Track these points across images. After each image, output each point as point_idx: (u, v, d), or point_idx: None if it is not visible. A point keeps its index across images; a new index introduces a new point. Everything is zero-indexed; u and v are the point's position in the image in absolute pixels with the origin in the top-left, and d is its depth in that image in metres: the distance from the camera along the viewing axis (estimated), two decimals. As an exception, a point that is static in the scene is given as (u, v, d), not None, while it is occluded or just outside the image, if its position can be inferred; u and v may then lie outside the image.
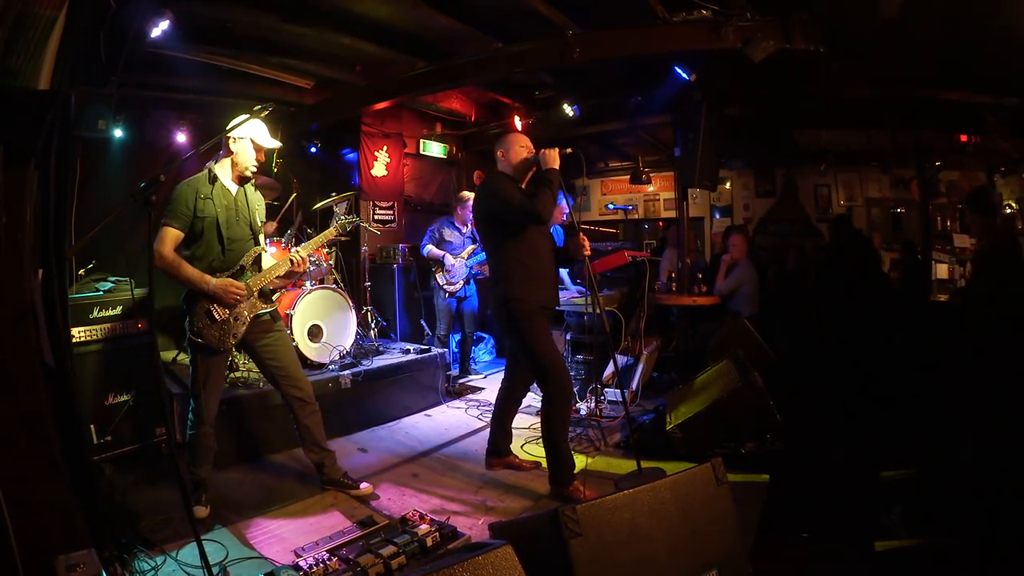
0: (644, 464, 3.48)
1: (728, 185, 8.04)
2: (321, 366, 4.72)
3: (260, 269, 3.21)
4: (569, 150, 3.46)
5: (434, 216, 6.38)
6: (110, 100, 3.47)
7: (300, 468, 3.88)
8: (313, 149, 6.57)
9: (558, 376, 3.39)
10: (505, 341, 3.85)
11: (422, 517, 3.02)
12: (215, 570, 2.57)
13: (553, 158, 3.37)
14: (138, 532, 2.98)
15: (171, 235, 2.94)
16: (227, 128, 3.00)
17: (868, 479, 3.41)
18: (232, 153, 3.09)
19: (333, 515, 3.26)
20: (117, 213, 2.21)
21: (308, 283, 4.97)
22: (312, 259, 5.06)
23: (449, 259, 5.70)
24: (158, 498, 3.36)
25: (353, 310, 5.07)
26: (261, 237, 3.30)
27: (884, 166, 7.16)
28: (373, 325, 5.75)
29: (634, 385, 5.02)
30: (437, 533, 2.85)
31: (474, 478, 3.75)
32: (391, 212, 7.03)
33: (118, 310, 3.66)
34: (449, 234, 5.81)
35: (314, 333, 4.78)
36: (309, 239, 5.12)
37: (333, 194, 5.35)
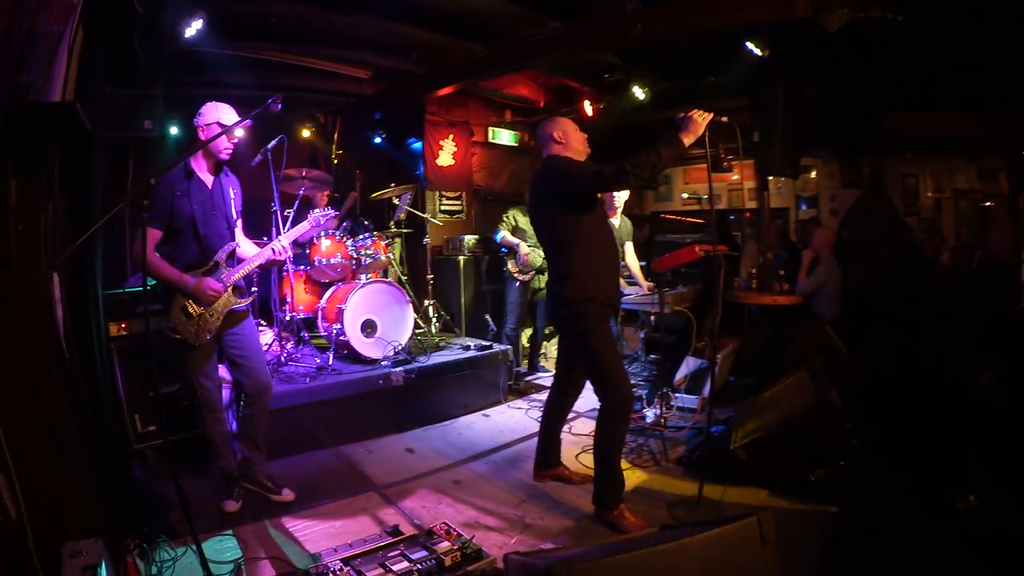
0: (705, 487, 3.14)
1: (813, 174, 7.38)
2: (374, 361, 4.62)
3: (235, 263, 3.18)
4: (725, 119, 2.86)
5: (507, 206, 6.14)
6: (155, 100, 3.54)
7: (341, 467, 3.84)
8: (378, 139, 6.54)
9: (620, 387, 3.03)
10: (565, 344, 3.52)
11: (448, 532, 2.86)
12: (230, 568, 2.63)
13: (696, 129, 2.78)
14: (166, 522, 3.00)
15: (153, 236, 2.96)
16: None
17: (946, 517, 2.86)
18: (203, 142, 3.04)
19: (362, 520, 3.16)
20: (111, 217, 2.21)
21: (363, 276, 4.90)
22: (368, 252, 5.01)
23: (523, 247, 5.44)
24: (195, 487, 3.39)
25: (411, 304, 4.95)
26: (237, 231, 3.26)
27: (971, 155, 6.25)
28: (435, 319, 5.62)
29: (706, 391, 4.54)
30: (459, 552, 2.68)
31: (518, 489, 3.50)
32: (459, 202, 6.88)
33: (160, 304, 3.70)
34: (524, 222, 5.54)
35: (367, 328, 4.71)
36: (366, 231, 5.11)
37: (392, 184, 5.25)
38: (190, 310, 3.01)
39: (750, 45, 4.15)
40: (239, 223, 3.29)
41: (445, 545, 2.72)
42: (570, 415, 3.86)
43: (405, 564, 2.56)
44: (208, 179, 3.11)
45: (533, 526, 3.07)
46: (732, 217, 7.78)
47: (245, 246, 3.31)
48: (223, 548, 2.83)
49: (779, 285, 5.24)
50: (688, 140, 2.80)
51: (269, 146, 4.09)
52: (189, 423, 3.79)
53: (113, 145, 3.70)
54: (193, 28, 3.65)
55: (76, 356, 2.53)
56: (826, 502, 3.03)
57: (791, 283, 5.25)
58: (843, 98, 5.64)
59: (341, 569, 2.51)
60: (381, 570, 2.52)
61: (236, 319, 3.20)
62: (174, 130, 4.70)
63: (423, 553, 2.65)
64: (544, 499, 3.36)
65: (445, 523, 2.94)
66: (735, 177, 7.58)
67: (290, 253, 3.31)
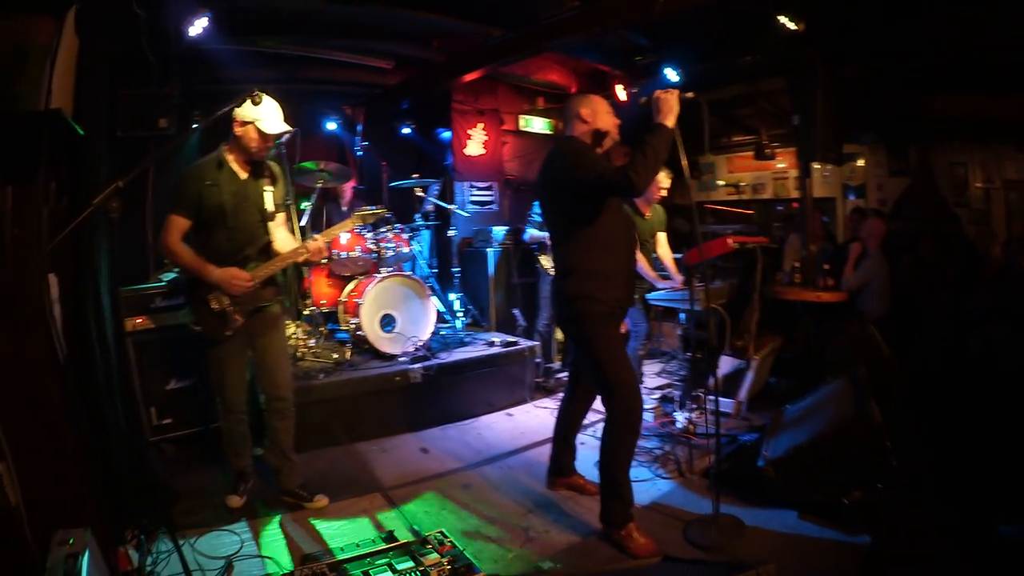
0: (726, 503, 2.94)
1: (861, 162, 6.78)
2: (392, 357, 4.53)
3: (269, 258, 3.00)
4: (691, 94, 2.67)
5: (540, 197, 5.93)
6: (168, 99, 3.53)
7: (351, 465, 3.76)
8: (406, 130, 6.44)
9: (627, 396, 2.77)
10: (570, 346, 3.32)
11: (442, 542, 2.75)
12: (221, 564, 2.64)
13: (670, 107, 2.58)
14: (168, 514, 2.97)
15: (178, 224, 2.82)
16: (224, 110, 2.72)
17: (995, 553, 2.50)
18: (237, 138, 2.89)
19: (360, 522, 3.07)
20: (84, 217, 2.20)
21: (384, 270, 4.81)
22: (389, 245, 4.92)
23: None
24: (204, 482, 3.42)
25: (432, 299, 4.83)
26: (278, 217, 3.07)
27: (1020, 143, 5.60)
28: (461, 314, 5.48)
29: (742, 395, 4.22)
30: (448, 567, 2.56)
31: (528, 498, 3.31)
32: (490, 192, 6.69)
33: (181, 299, 3.68)
34: None
35: (386, 323, 4.62)
36: (387, 223, 5.02)
37: (416, 176, 5.13)
38: (213, 304, 2.87)
39: (783, 19, 3.75)
40: (281, 217, 3.10)
41: (434, 557, 2.62)
42: (593, 417, 3.65)
43: (390, 574, 2.48)
44: (242, 171, 2.94)
45: (536, 540, 2.88)
46: (780, 208, 7.30)
47: (284, 241, 3.10)
48: (219, 543, 2.82)
49: (823, 280, 4.85)
50: (669, 121, 2.58)
51: (283, 139, 4.02)
52: (204, 417, 3.78)
53: (135, 144, 3.72)
54: (198, 27, 3.60)
55: (73, 352, 2.54)
56: (860, 529, 2.72)
57: (836, 278, 4.86)
58: (886, 78, 5.15)
59: (327, 573, 2.47)
60: (363, 579, 2.46)
61: (267, 319, 3.05)
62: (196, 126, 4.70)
63: (409, 564, 2.56)
64: (553, 510, 3.16)
65: (442, 531, 2.83)
66: (781, 165, 7.06)
67: (327, 254, 3.13)
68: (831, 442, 2.82)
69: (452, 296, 5.51)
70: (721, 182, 6.55)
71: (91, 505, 2.32)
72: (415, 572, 2.50)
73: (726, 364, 4.47)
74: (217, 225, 2.87)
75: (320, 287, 5.00)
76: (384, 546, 2.71)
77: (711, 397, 4.36)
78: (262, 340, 3.06)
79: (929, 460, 3.18)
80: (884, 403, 2.77)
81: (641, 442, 3.92)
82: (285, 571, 2.56)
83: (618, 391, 2.77)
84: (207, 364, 3.05)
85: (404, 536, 2.84)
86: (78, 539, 2.00)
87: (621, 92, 5.76)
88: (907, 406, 3.39)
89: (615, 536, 2.78)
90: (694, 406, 4.18)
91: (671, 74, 5.10)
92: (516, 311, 5.82)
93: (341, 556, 2.63)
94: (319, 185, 4.69)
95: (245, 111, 2.78)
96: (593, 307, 2.77)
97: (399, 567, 2.52)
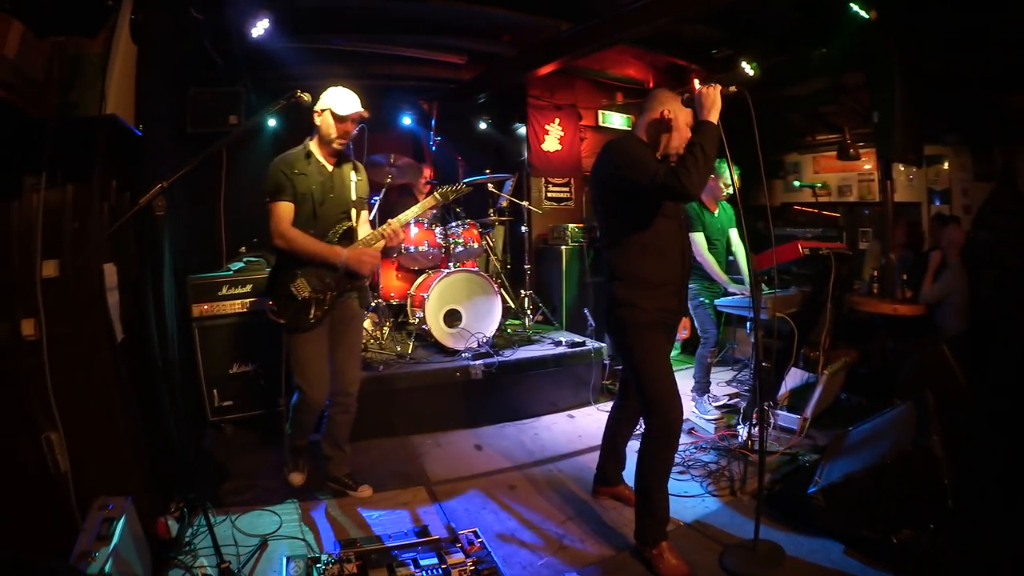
0: (773, 527, 2.81)
1: (946, 165, 6.06)
2: (455, 352, 4.57)
3: (351, 243, 3.03)
4: (733, 88, 2.54)
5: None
6: (237, 97, 3.71)
7: (402, 457, 3.83)
8: (484, 125, 6.45)
9: (666, 410, 2.64)
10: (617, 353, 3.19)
11: (472, 543, 2.75)
12: (256, 541, 2.76)
13: (712, 101, 2.46)
14: (215, 491, 3.18)
15: (285, 209, 2.87)
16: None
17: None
18: (317, 128, 2.97)
19: (399, 514, 3.13)
20: (130, 215, 2.36)
21: (452, 265, 4.86)
22: (459, 240, 4.95)
23: None
24: (258, 462, 3.59)
25: (499, 295, 4.82)
26: (361, 213, 3.13)
27: None
28: (530, 312, 5.44)
29: (808, 411, 3.90)
30: (471, 568, 2.56)
31: (570, 505, 3.25)
32: (567, 189, 6.58)
33: (248, 288, 3.92)
34: None
35: (451, 318, 4.66)
36: (457, 218, 5.05)
37: (487, 171, 5.12)
38: (296, 292, 2.91)
39: (854, 6, 3.43)
40: (363, 215, 3.16)
41: (459, 557, 2.63)
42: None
43: (411, 570, 2.51)
44: (328, 163, 3.02)
45: (568, 549, 2.82)
46: (867, 211, 6.65)
47: (363, 232, 3.13)
48: (260, 522, 2.95)
49: (901, 292, 4.41)
50: (712, 116, 2.46)
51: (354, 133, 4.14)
52: (264, 400, 4.01)
53: (207, 140, 3.95)
54: (260, 28, 3.73)
55: (130, 336, 2.73)
56: (906, 571, 2.46)
57: (916, 289, 4.39)
58: (968, 72, 4.60)
59: (353, 561, 2.53)
60: (386, 572, 2.49)
61: (345, 311, 3.09)
62: (272, 122, 4.94)
63: (433, 561, 2.58)
64: (592, 520, 3.08)
65: (475, 531, 2.84)
66: (867, 166, 6.44)
67: (402, 237, 3.12)
68: (886, 474, 2.55)
69: (523, 293, 5.47)
70: (797, 183, 6.00)
71: (136, 476, 2.51)
72: (437, 569, 2.51)
73: (795, 377, 4.16)
74: (306, 212, 2.94)
75: (389, 280, 5.13)
76: (415, 540, 2.74)
77: (778, 412, 4.10)
78: (337, 336, 3.10)
79: (992, 499, 2.78)
80: (951, 432, 2.46)
81: (699, 455, 3.79)
82: (315, 554, 2.65)
83: (656, 404, 2.65)
84: (288, 357, 3.05)
85: (439, 532, 2.86)
86: (117, 505, 2.17)
87: (698, 86, 5.45)
88: (977, 435, 2.98)
89: (646, 554, 2.67)
90: (759, 421, 3.91)
91: (747, 67, 4.77)
92: (586, 310, 5.70)
93: (370, 546, 2.67)
94: (388, 181, 4.80)
95: (320, 100, 2.90)
96: (636, 315, 2.65)
97: (423, 562, 2.55)
